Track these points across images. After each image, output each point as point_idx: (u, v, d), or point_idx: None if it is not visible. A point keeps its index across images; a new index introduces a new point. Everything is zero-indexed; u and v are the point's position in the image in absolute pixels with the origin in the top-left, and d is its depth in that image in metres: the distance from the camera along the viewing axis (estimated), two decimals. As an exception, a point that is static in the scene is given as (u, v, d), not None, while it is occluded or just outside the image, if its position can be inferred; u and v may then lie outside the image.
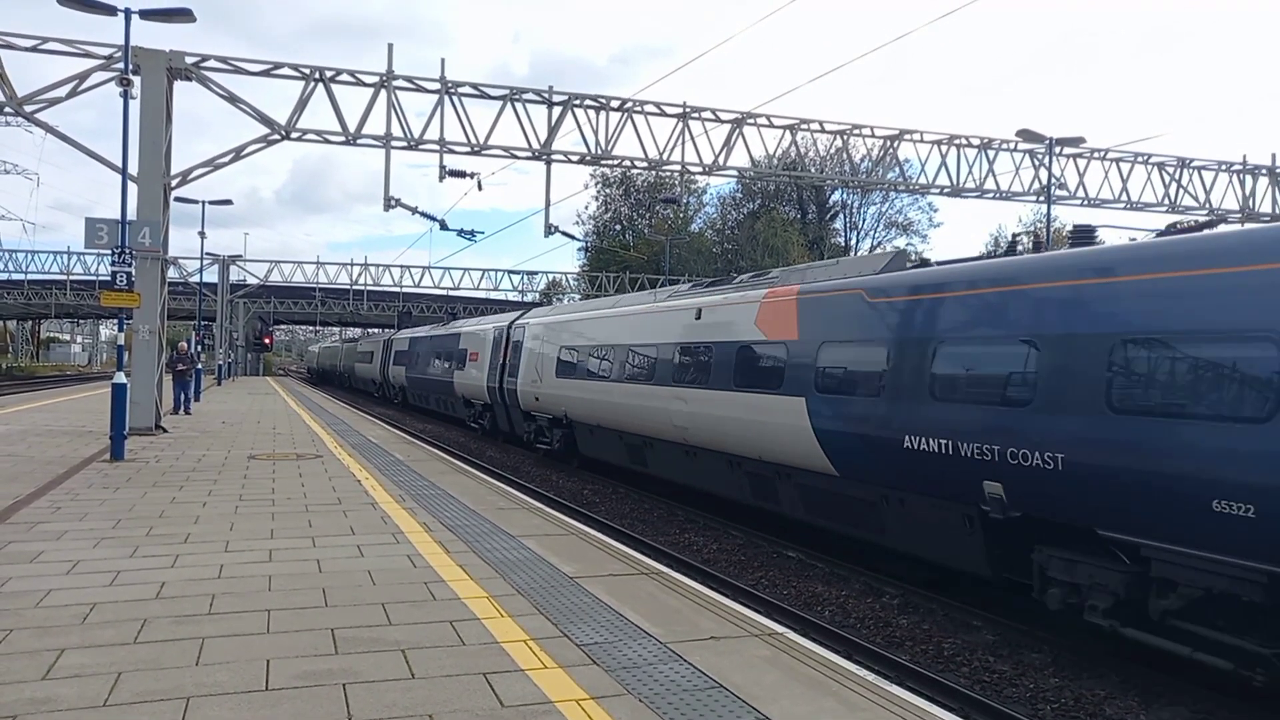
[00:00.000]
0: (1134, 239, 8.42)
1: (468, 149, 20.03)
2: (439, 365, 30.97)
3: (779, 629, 5.83)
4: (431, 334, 34.40)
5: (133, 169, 16.06)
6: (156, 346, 17.79)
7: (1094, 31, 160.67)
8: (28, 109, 17.43)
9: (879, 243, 63.92)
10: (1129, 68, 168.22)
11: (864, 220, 66.07)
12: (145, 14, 14.59)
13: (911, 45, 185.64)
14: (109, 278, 14.29)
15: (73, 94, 17.44)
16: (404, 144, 19.45)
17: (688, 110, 21.34)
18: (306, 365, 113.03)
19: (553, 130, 20.52)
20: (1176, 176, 25.85)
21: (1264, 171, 27.05)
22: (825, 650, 5.56)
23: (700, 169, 22.07)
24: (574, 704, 4.39)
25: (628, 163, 22.73)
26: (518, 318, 23.47)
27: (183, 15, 14.75)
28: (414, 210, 23.47)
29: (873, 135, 23.50)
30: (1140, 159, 25.59)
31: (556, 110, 20.52)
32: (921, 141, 23.57)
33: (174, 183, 18.23)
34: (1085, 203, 25.25)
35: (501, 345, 23.38)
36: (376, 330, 67.65)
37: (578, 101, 20.74)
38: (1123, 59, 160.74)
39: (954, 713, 5.19)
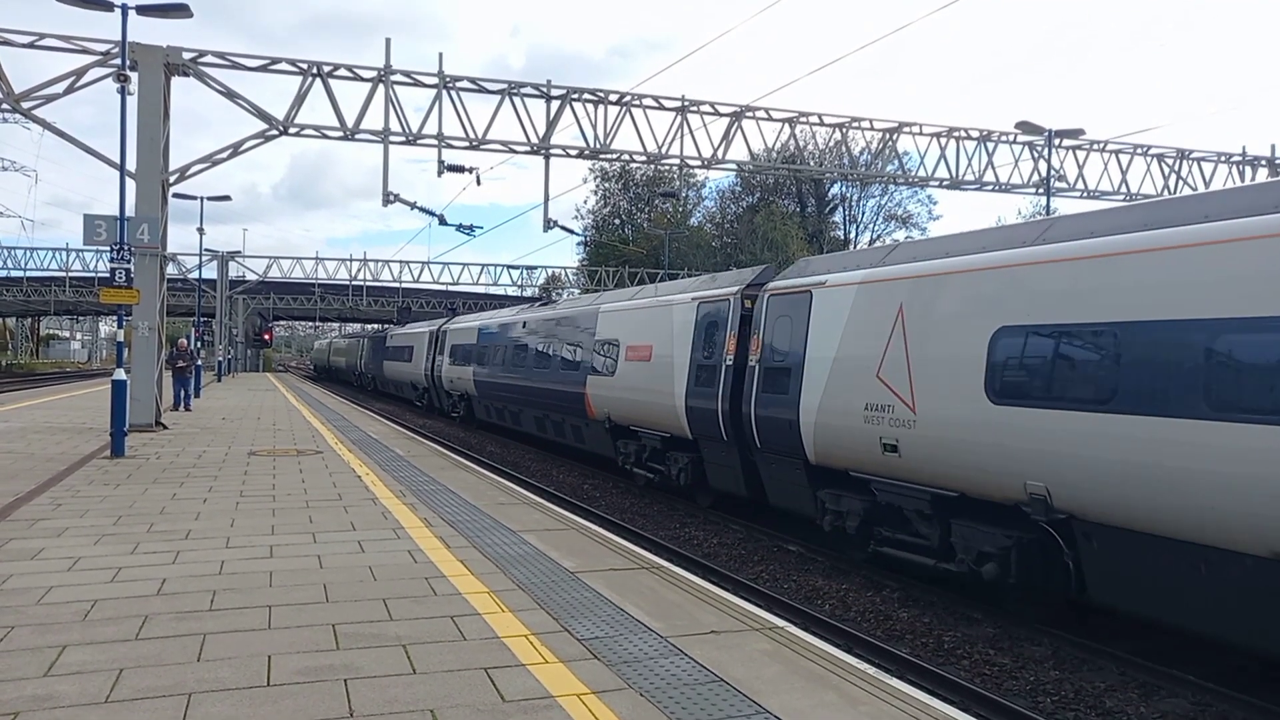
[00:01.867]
0: None
1: (466, 144, 20.01)
2: (550, 365, 19.80)
3: (779, 623, 5.84)
4: (528, 316, 22.89)
5: (131, 165, 16.04)
6: (156, 343, 17.79)
7: (1090, 23, 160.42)
8: (25, 105, 17.39)
9: (878, 235, 63.97)
10: (1127, 59, 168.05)
11: (863, 213, 66.13)
12: (142, 9, 14.56)
13: (910, 38, 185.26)
14: (108, 274, 14.29)
15: (70, 90, 17.41)
16: (402, 139, 19.42)
17: (686, 104, 21.31)
18: (312, 362, 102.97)
19: (551, 124, 20.49)
20: (1176, 168, 25.83)
21: (1263, 162, 27.03)
22: (826, 644, 5.57)
23: (699, 162, 22.05)
24: (575, 698, 4.40)
25: (626, 157, 22.72)
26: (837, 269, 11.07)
27: (179, 10, 14.72)
28: (413, 205, 23.55)
29: (871, 128, 23.47)
30: (1139, 150, 25.58)
31: (555, 104, 20.49)
32: (920, 134, 23.55)
33: (172, 179, 18.21)
34: (1085, 194, 25.25)
35: (762, 329, 11.69)
36: (374, 323, 67.49)
37: (576, 95, 20.71)
38: (1120, 50, 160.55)
39: (954, 706, 5.20)
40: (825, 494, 10.53)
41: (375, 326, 66.00)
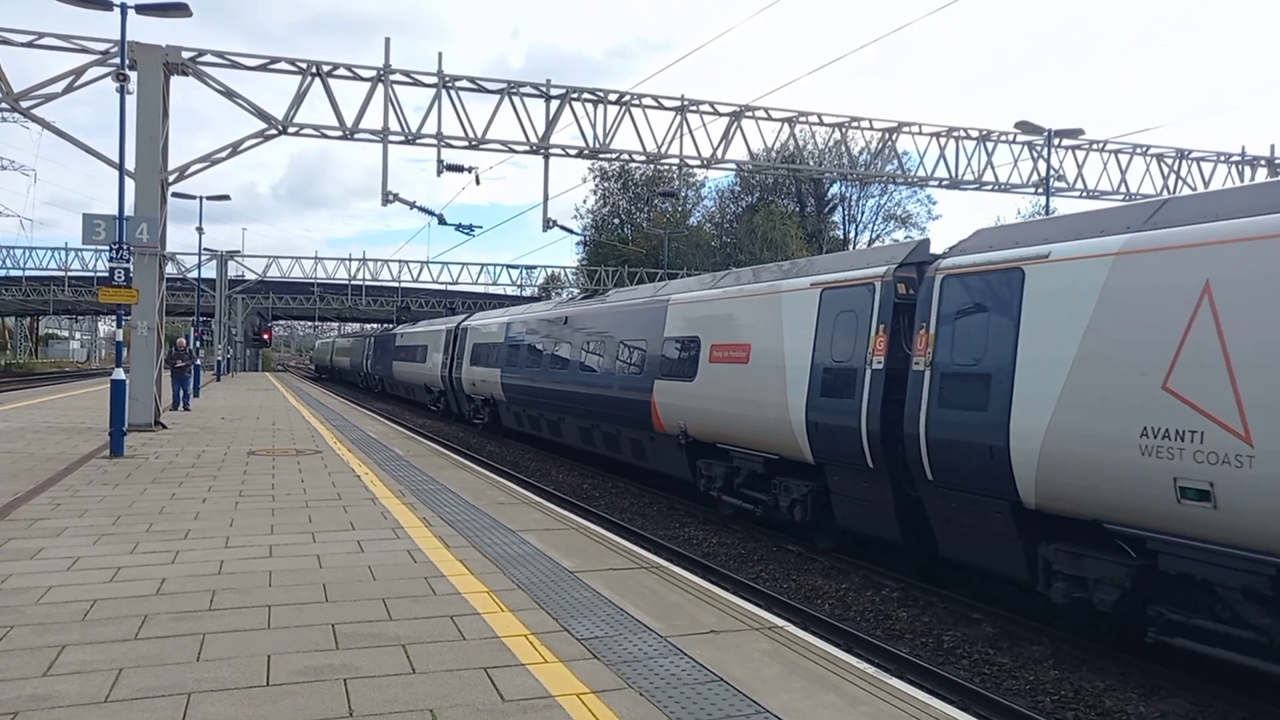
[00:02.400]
0: None
1: (465, 143, 20.00)
2: (601, 368, 16.88)
3: (779, 623, 5.84)
4: (571, 311, 19.70)
5: (130, 165, 16.02)
6: (155, 343, 17.78)
7: (1091, 24, 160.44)
8: (24, 105, 17.38)
9: (878, 235, 64.00)
10: (1127, 60, 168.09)
11: (863, 213, 66.15)
12: (141, 9, 14.55)
13: (909, 38, 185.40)
14: (107, 274, 14.28)
15: (69, 89, 17.40)
16: (402, 138, 19.41)
17: (686, 103, 21.30)
18: (313, 362, 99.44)
19: (551, 124, 20.48)
20: (1175, 168, 25.84)
21: (1263, 162, 27.03)
22: (825, 644, 5.57)
23: (698, 162, 22.04)
24: (574, 698, 4.40)
25: (626, 156, 22.70)
26: None
27: (179, 10, 14.70)
28: (412, 205, 23.55)
29: (871, 128, 23.47)
30: (1139, 150, 25.59)
31: (554, 104, 20.48)
32: (920, 134, 23.56)
33: (171, 178, 18.20)
34: (1084, 194, 25.26)
35: (933, 322, 9.03)
36: (373, 323, 67.18)
37: (575, 95, 20.70)
38: (1121, 51, 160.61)
39: (954, 705, 5.20)
40: (1053, 551, 7.66)
41: (374, 326, 65.79)
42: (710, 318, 13.18)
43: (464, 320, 29.64)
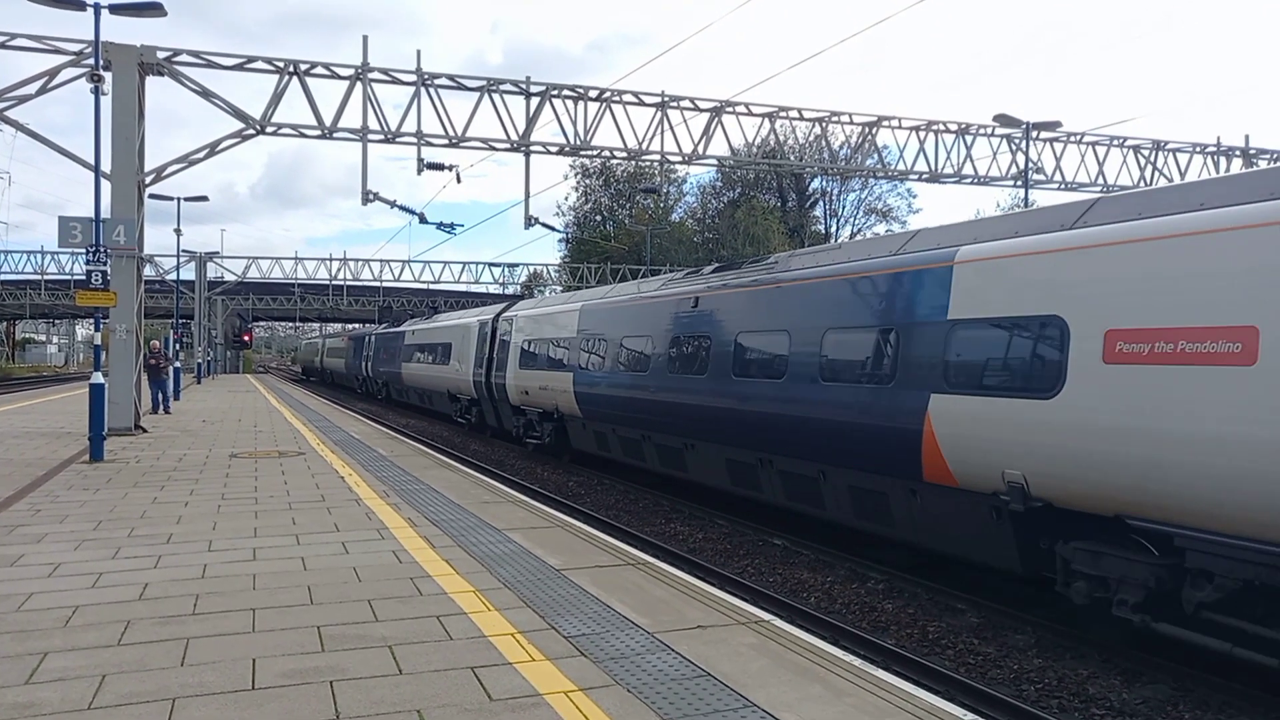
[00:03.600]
0: None
1: (445, 141, 19.93)
2: (782, 370, 10.80)
3: (765, 616, 5.86)
4: (703, 288, 13.22)
5: (106, 166, 15.88)
6: (134, 346, 17.62)
7: (1071, 24, 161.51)
8: (-3, 107, 17.17)
9: (859, 229, 64.28)
10: (1105, 58, 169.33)
11: (844, 207, 66.48)
12: (115, 8, 14.40)
13: (889, 32, 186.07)
14: (84, 277, 14.14)
15: (43, 91, 17.19)
16: (381, 137, 19.31)
17: (666, 99, 21.30)
18: (299, 363, 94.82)
19: (531, 121, 20.44)
20: (1151, 159, 26.07)
21: (1237, 153, 27.31)
22: (811, 636, 5.60)
23: (680, 158, 22.06)
24: (562, 696, 4.40)
25: (607, 153, 22.66)
26: None
27: (153, 9, 14.56)
28: (392, 204, 23.40)
29: (851, 122, 23.54)
30: (1116, 142, 25.80)
31: (534, 101, 20.43)
32: (900, 128, 23.65)
33: (148, 179, 18.02)
34: (1062, 186, 25.44)
35: None
36: (355, 322, 66.45)
37: (556, 92, 20.66)
38: (1100, 49, 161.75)
39: (939, 695, 5.23)
40: None
41: (355, 326, 65.31)
42: (1091, 283, 7.14)
43: (505, 309, 23.65)
